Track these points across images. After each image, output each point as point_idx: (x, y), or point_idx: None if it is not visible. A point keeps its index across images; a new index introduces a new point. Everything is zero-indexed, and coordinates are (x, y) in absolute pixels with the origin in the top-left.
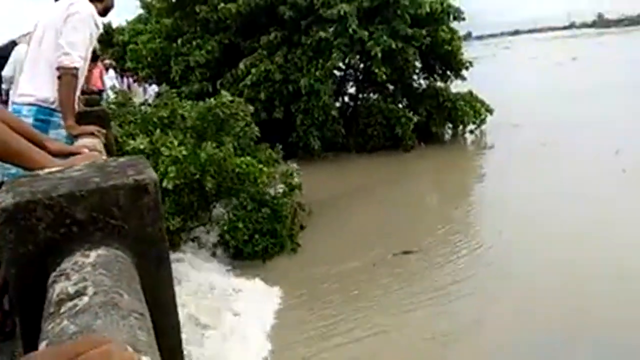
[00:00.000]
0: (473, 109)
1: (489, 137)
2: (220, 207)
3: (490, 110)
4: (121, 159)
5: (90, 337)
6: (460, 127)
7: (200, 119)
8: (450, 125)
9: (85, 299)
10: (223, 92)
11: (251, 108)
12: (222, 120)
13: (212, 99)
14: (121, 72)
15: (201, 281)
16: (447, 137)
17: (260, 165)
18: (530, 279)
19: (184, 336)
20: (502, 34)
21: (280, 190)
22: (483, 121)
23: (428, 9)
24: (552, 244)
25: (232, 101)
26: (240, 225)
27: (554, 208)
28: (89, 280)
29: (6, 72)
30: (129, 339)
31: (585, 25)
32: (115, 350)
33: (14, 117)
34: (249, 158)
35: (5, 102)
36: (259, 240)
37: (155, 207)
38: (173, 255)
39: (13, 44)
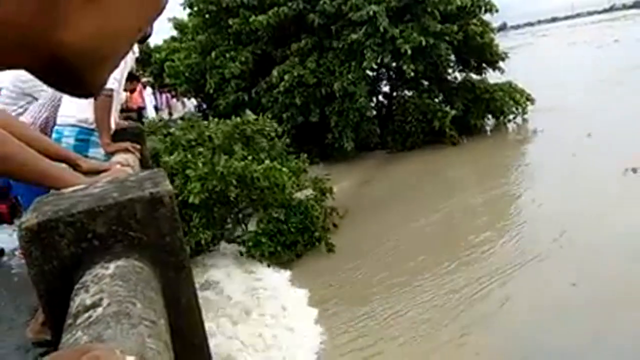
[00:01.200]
0: (513, 99)
1: (532, 126)
2: (254, 220)
3: (531, 100)
4: (141, 173)
5: (82, 346)
6: (501, 117)
7: (227, 137)
8: (490, 117)
9: (100, 309)
10: (247, 112)
11: (275, 125)
12: (248, 138)
13: (237, 118)
14: (159, 89)
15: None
16: (488, 128)
17: (285, 170)
18: None
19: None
20: (539, 22)
21: (312, 195)
22: (524, 111)
23: (459, 3)
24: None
25: (256, 119)
26: (264, 239)
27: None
28: (105, 291)
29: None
30: (137, 346)
31: (625, 7)
32: (103, 355)
33: (44, 139)
34: (270, 162)
35: None
36: (284, 252)
37: (171, 217)
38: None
39: None
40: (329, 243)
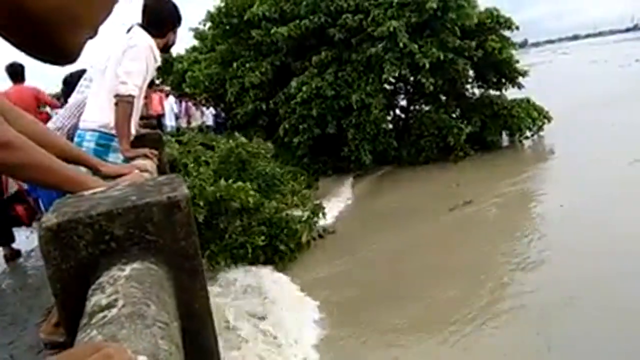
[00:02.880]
0: (530, 117)
1: (548, 144)
2: None
3: (548, 118)
4: (159, 178)
5: (93, 343)
6: (517, 135)
7: (223, 162)
8: (507, 133)
9: (115, 310)
10: (236, 134)
11: (271, 147)
12: (243, 161)
13: (230, 141)
14: (179, 97)
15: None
16: (504, 144)
17: (250, 191)
18: None
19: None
20: (559, 39)
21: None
22: (540, 128)
23: (477, 20)
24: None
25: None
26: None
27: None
28: (120, 292)
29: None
30: (150, 347)
31: None
32: (115, 353)
33: (66, 144)
34: (242, 184)
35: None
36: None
37: (187, 222)
38: None
39: (83, 72)
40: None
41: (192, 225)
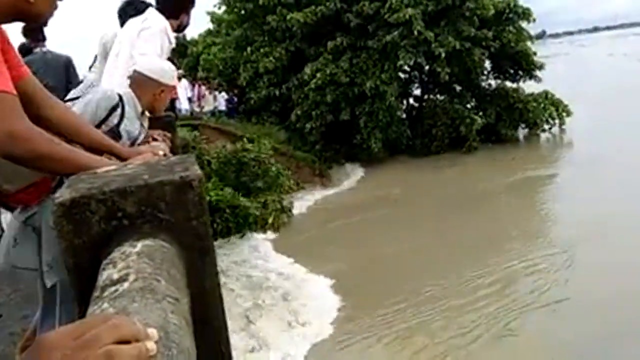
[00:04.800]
0: (547, 111)
1: (564, 139)
2: None
3: (567, 112)
4: (172, 158)
5: (103, 314)
6: (534, 128)
7: (223, 163)
8: (524, 126)
9: (126, 284)
10: (245, 140)
11: (271, 152)
12: (242, 164)
13: (235, 144)
14: (192, 82)
15: None
16: (520, 137)
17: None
18: None
19: None
20: (579, 31)
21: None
22: (562, 122)
23: (495, 9)
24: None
25: (251, 141)
26: None
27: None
28: (132, 267)
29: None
30: (160, 320)
31: None
32: (123, 324)
33: (90, 130)
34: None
35: None
36: None
37: (199, 202)
38: None
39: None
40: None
41: (203, 205)
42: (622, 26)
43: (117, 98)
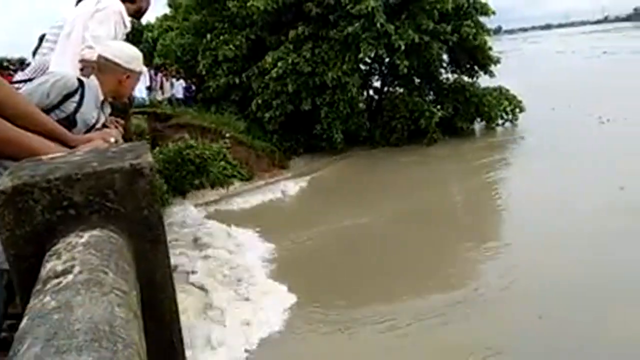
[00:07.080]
0: (501, 105)
1: (516, 132)
2: None
3: (521, 107)
4: (123, 145)
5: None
6: (489, 122)
7: (169, 162)
8: (479, 120)
9: (70, 277)
10: (186, 136)
11: (219, 148)
12: (186, 162)
13: (179, 143)
14: (155, 69)
15: None
16: (476, 131)
17: None
18: None
19: None
20: (533, 28)
21: None
22: (515, 117)
23: (453, 5)
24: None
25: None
26: None
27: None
28: (77, 259)
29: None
30: (106, 314)
31: (619, 19)
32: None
33: (30, 110)
34: None
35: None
36: None
37: (151, 190)
38: None
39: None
40: None
41: (155, 194)
42: (573, 24)
43: (76, 84)
